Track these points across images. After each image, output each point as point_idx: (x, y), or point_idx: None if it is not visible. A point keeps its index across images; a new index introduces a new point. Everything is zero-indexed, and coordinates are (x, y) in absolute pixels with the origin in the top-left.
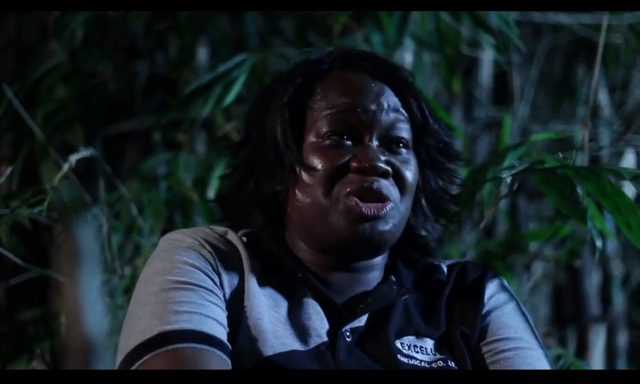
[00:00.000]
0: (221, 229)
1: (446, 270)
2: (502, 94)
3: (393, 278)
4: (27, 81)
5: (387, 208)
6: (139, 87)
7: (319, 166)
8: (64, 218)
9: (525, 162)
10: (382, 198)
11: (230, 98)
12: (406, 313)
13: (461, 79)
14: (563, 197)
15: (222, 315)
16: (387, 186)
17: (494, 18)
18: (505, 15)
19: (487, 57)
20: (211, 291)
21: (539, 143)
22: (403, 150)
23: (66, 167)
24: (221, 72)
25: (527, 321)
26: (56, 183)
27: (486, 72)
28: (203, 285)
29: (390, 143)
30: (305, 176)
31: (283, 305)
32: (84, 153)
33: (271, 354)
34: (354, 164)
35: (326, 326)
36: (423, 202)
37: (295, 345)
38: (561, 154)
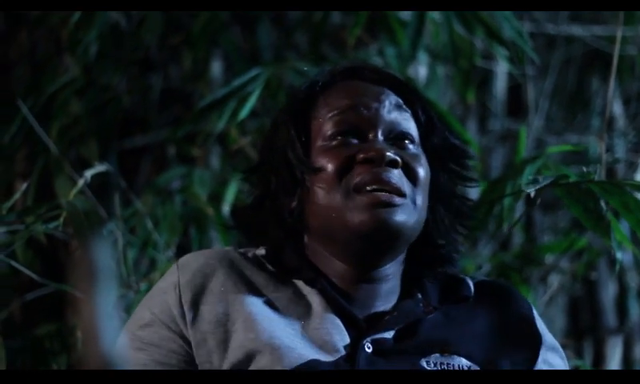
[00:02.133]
0: (231, 250)
1: (472, 286)
2: (516, 105)
3: (419, 295)
4: (42, 96)
5: (400, 199)
6: (153, 101)
7: (327, 165)
8: (80, 233)
9: (548, 176)
10: (394, 188)
11: (245, 112)
12: (431, 330)
13: (475, 91)
14: (586, 211)
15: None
16: (398, 177)
17: (507, 30)
18: (518, 27)
19: (501, 69)
20: (156, 345)
21: (554, 155)
22: (411, 146)
23: (81, 182)
24: (235, 86)
25: None
26: (71, 198)
27: (500, 84)
28: (154, 342)
29: (397, 139)
30: (316, 180)
31: (296, 323)
32: (99, 168)
33: (289, 369)
34: (360, 155)
35: (347, 341)
36: (439, 205)
37: (314, 356)
38: (585, 169)
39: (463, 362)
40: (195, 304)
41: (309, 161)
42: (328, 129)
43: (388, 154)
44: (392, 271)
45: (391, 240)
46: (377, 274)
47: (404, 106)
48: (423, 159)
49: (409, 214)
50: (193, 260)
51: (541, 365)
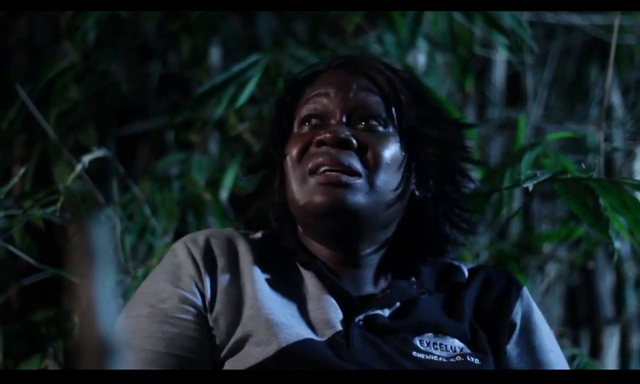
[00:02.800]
0: (231, 230)
1: (466, 272)
2: (515, 94)
3: (413, 278)
4: (40, 81)
5: (350, 178)
6: (152, 87)
7: (292, 151)
8: (77, 218)
9: (547, 171)
10: (345, 168)
11: (243, 98)
12: (425, 312)
13: (474, 80)
14: (585, 207)
15: (186, 344)
16: (350, 158)
17: (507, 18)
18: (518, 16)
19: (500, 57)
20: (180, 319)
21: (553, 143)
22: (380, 128)
23: (79, 167)
24: (234, 72)
25: (550, 331)
26: (69, 183)
27: (499, 73)
28: (173, 314)
29: (362, 121)
30: (285, 167)
31: (293, 304)
32: (97, 153)
33: (285, 345)
34: (315, 138)
35: (340, 317)
36: (424, 188)
37: (311, 335)
38: (584, 165)
39: (456, 343)
40: (211, 281)
41: (281, 148)
42: (299, 116)
43: (339, 135)
44: (373, 256)
45: (347, 219)
46: (359, 258)
47: (372, 88)
48: (392, 141)
49: (363, 193)
50: (200, 238)
51: (512, 347)
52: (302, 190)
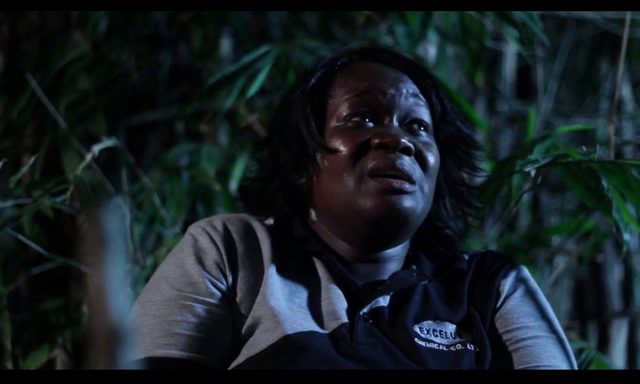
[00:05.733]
0: (245, 216)
1: (467, 259)
2: (525, 87)
3: (413, 266)
4: (50, 71)
5: (412, 186)
6: (162, 78)
7: (341, 147)
8: (87, 208)
9: (549, 155)
10: (405, 175)
11: (254, 89)
12: (425, 299)
13: (484, 72)
14: (588, 189)
15: (215, 328)
16: (410, 164)
17: (517, 11)
18: None
19: (511, 50)
20: (209, 303)
21: (562, 136)
22: (424, 133)
23: (88, 157)
24: (244, 63)
25: (546, 309)
26: (79, 173)
27: (509, 66)
28: (202, 298)
29: (410, 126)
30: (328, 160)
31: (303, 292)
32: (107, 143)
33: (291, 332)
34: (375, 140)
35: (346, 309)
36: (446, 192)
37: (315, 327)
38: (585, 148)
39: (455, 330)
40: (232, 268)
41: (322, 139)
42: (344, 110)
43: (402, 140)
44: (396, 254)
45: (398, 226)
46: (379, 255)
47: (420, 95)
48: (434, 147)
49: (417, 201)
50: (218, 224)
51: (496, 318)
52: (358, 190)
